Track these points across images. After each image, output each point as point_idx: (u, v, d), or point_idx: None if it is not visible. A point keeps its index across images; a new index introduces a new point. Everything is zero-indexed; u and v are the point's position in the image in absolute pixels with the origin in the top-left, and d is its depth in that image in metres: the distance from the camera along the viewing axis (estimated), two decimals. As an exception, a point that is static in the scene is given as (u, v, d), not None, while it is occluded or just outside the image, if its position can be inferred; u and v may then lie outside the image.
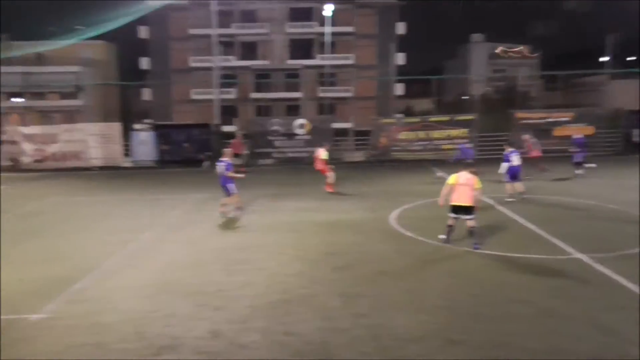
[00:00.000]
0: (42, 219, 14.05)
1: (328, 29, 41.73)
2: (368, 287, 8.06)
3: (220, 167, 13.33)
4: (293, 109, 46.87)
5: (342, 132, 33.71)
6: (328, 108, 44.68)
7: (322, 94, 46.71)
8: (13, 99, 49.86)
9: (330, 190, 17.09)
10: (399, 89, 48.46)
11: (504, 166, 14.79)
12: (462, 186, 9.81)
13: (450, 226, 10.09)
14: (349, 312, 7.05)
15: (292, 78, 48.23)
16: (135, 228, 12.51)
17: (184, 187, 19.17)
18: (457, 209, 9.89)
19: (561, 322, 6.60)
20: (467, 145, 22.70)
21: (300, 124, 26.75)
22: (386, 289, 7.97)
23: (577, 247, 9.79)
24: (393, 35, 46.98)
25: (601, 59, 43.37)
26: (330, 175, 17.19)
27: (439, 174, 19.92)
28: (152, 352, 6.06)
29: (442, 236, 10.28)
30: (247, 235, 11.65)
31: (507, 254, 9.57)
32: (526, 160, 17.50)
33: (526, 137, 20.38)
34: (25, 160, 25.13)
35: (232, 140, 23.15)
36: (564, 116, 27.39)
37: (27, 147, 25.13)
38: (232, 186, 13.34)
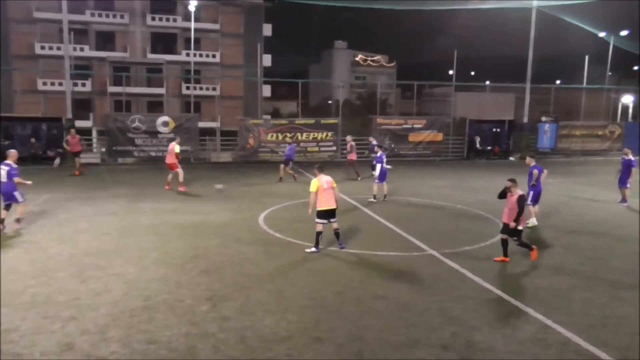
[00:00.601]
0: None
1: (192, 25, 40.51)
2: (235, 289, 7.98)
3: (3, 171, 11.27)
4: (155, 106, 44.75)
5: (208, 132, 33.00)
6: (193, 106, 43.50)
7: (186, 92, 45.22)
8: None
9: (183, 189, 16.79)
10: (266, 90, 48.77)
11: (378, 167, 15.51)
12: (326, 190, 9.95)
13: (319, 232, 10.01)
14: (216, 316, 6.92)
15: (154, 73, 46.03)
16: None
17: (29, 187, 17.24)
18: (325, 214, 9.96)
19: (416, 314, 7.16)
20: (292, 145, 21.46)
21: (164, 122, 25.61)
22: (254, 290, 7.97)
23: (429, 244, 10.71)
24: (259, 36, 47.14)
25: (450, 72, 48.00)
26: (181, 173, 16.84)
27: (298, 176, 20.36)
28: (-11, 373, 5.38)
29: (312, 249, 10.05)
30: (102, 239, 10.84)
31: (370, 252, 10.14)
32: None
33: (349, 139, 21.14)
34: None
35: (67, 137, 21.22)
36: (418, 123, 29.79)
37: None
38: (18, 194, 11.42)
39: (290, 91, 58.43)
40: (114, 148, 25.06)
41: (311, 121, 28.37)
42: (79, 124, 29.86)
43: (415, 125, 29.53)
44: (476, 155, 30.15)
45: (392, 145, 28.19)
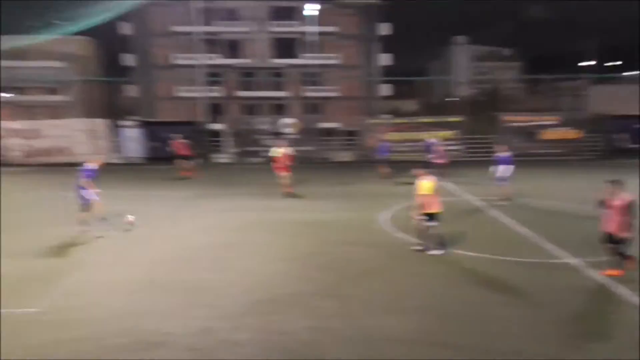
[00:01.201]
0: (30, 212, 13.93)
1: (311, 29, 41.80)
2: (356, 288, 8.18)
3: (82, 173, 11.97)
4: (279, 108, 46.86)
5: (329, 132, 33.86)
6: (314, 107, 44.77)
7: (307, 94, 46.75)
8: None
9: (290, 191, 16.61)
10: (385, 89, 48.72)
11: (500, 169, 14.86)
12: (432, 193, 9.70)
13: (425, 231, 9.86)
14: (340, 313, 7.17)
15: (276, 77, 48.21)
16: (124, 223, 12.46)
17: (171, 184, 19.13)
18: (430, 216, 9.69)
19: (551, 326, 6.79)
20: (386, 143, 21.33)
21: (288, 123, 26.80)
22: (375, 290, 8.10)
23: (566, 251, 9.90)
24: (376, 36, 47.21)
25: (580, 64, 44.18)
26: (287, 176, 16.67)
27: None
28: (142, 348, 6.13)
29: (417, 247, 10.00)
30: (232, 233, 11.70)
31: (496, 256, 9.73)
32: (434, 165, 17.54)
33: (433, 141, 20.40)
34: (14, 154, 24.81)
35: (172, 142, 21.89)
36: (550, 120, 27.84)
37: (14, 141, 24.82)
38: (89, 193, 11.84)
39: (410, 89, 57.82)
40: (243, 149, 26.77)
41: (432, 119, 27.89)
42: (213, 126, 32.24)
43: (547, 123, 27.62)
44: (620, 154, 27.20)
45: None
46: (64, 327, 6.71)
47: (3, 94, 49.16)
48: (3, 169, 23.74)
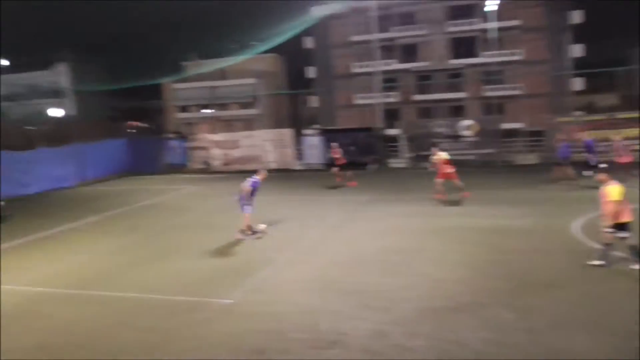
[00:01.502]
0: (223, 215, 15.70)
1: (491, 25, 39.65)
2: (542, 301, 7.51)
3: (247, 184, 12.58)
4: (456, 110, 45.45)
5: (511, 133, 31.72)
6: (495, 108, 42.41)
7: (487, 93, 44.50)
8: (203, 110, 56.56)
9: (441, 197, 15.76)
10: (577, 83, 43.97)
11: None
12: (624, 200, 8.52)
13: (610, 245, 8.67)
14: (523, 327, 6.65)
15: (454, 78, 46.84)
16: (304, 226, 13.33)
17: (348, 189, 19.86)
18: (620, 226, 8.52)
19: None
20: (566, 143, 19.66)
21: (467, 125, 25.85)
22: (563, 304, 7.36)
23: None
24: (566, 26, 42.83)
25: None
26: (441, 182, 15.88)
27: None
28: (322, 345, 6.44)
29: (598, 261, 8.75)
30: (407, 238, 11.65)
31: None
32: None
33: (616, 138, 18.47)
34: (215, 163, 28.33)
35: (331, 150, 21.72)
36: None
37: (216, 152, 28.36)
38: (248, 208, 12.35)
39: (608, 82, 51.28)
40: (419, 153, 26.56)
41: (637, 115, 24.33)
42: (389, 131, 32.64)
43: None
44: None
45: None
46: (251, 319, 7.41)
47: (206, 110, 56.47)
48: (205, 176, 27.21)
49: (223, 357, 6.30)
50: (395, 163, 26.69)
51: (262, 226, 12.62)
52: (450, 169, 15.96)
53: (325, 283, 8.80)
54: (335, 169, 21.08)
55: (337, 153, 21.31)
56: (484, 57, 45.06)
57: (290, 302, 7.98)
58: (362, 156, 26.92)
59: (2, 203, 16.52)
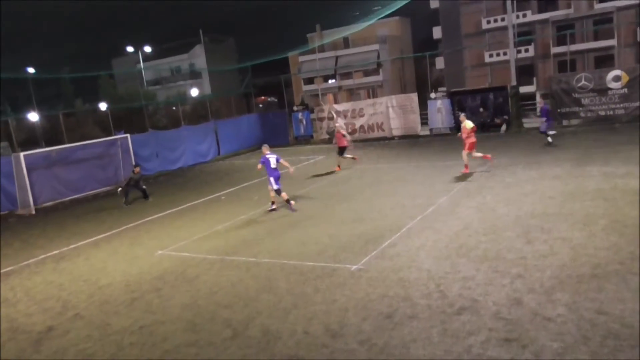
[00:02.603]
0: (350, 184, 15.91)
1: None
2: None
3: (272, 159, 13.20)
4: (604, 60, 40.71)
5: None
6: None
7: (643, 38, 39.17)
8: (330, 81, 57.42)
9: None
10: None
11: None
12: None
13: None
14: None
15: (602, 24, 41.79)
16: (432, 193, 13.00)
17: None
18: None
19: None
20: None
21: (615, 76, 23.02)
22: None
23: None
24: None
25: None
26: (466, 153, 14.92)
27: None
28: (454, 311, 6.28)
29: None
30: (547, 203, 10.80)
31: None
32: None
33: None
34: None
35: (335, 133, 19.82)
36: None
37: (340, 121, 28.67)
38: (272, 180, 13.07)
39: None
40: (558, 110, 24.33)
41: None
42: (523, 89, 30.35)
43: None
44: None
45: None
46: (379, 285, 7.46)
47: (331, 81, 57.15)
48: (331, 146, 27.67)
49: (352, 320, 6.44)
50: (530, 123, 24.76)
51: (292, 202, 13.23)
52: (474, 139, 15.13)
53: (455, 249, 8.54)
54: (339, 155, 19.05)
55: (340, 135, 19.23)
56: (639, -4, 39.52)
57: (419, 268, 7.88)
58: (494, 118, 25.39)
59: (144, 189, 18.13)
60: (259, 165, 13.43)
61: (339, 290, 7.46)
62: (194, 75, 63.55)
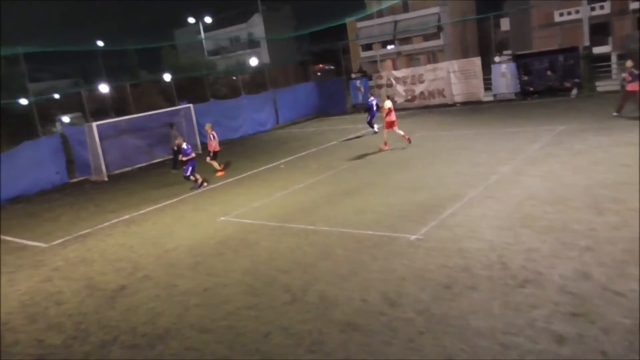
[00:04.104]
0: (409, 152, 15.62)
1: None
2: None
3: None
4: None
5: None
6: None
7: None
8: (389, 47, 56.11)
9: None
10: None
11: None
12: None
13: None
14: None
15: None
16: (494, 161, 12.57)
17: (545, 118, 17.99)
18: None
19: None
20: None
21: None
22: None
23: None
24: None
25: None
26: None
27: None
28: (516, 284, 6.11)
29: None
30: (619, 171, 10.14)
31: None
32: None
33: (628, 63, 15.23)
34: (399, 100, 28.17)
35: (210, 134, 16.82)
36: None
37: (399, 88, 28.06)
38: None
39: None
40: (636, 72, 22.64)
41: None
42: (596, 50, 28.46)
43: None
44: None
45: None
46: (438, 255, 7.36)
47: (389, 46, 55.81)
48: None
49: (409, 290, 6.41)
50: (604, 86, 23.23)
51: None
52: (393, 118, 16.07)
53: (519, 220, 8.26)
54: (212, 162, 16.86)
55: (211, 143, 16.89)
56: None
57: (479, 239, 7.70)
58: (563, 81, 24.01)
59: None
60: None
61: (396, 259, 7.43)
62: (252, 44, 63.95)
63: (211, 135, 16.61)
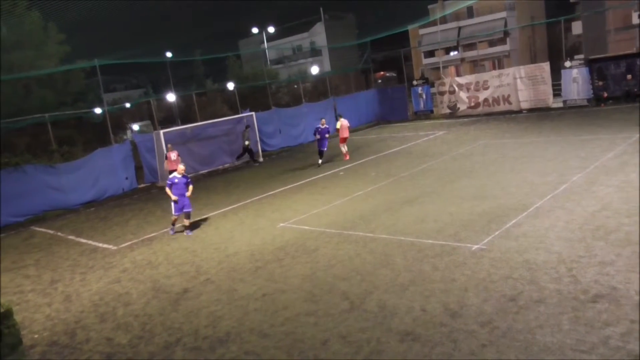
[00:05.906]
0: (472, 160, 15.18)
1: None
2: None
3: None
4: None
5: None
6: None
7: None
8: (452, 53, 55.11)
9: None
10: None
11: None
12: None
13: None
14: None
15: None
16: (564, 170, 11.97)
17: (621, 125, 16.96)
18: None
19: None
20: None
21: None
22: None
23: None
24: None
25: None
26: None
27: None
28: (588, 298, 5.77)
29: None
30: None
31: None
32: None
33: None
34: (462, 107, 27.52)
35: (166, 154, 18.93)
36: None
37: (463, 95, 27.40)
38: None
39: None
40: None
41: None
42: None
43: None
44: None
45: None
46: (502, 266, 7.07)
47: (453, 53, 54.74)
48: (452, 120, 26.65)
49: (472, 301, 6.19)
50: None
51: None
52: (346, 134, 19.08)
53: (591, 231, 7.80)
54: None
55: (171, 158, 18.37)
56: None
57: (547, 250, 7.33)
58: (642, 86, 22.56)
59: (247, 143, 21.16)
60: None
61: (458, 269, 7.21)
62: (314, 53, 64.66)
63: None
